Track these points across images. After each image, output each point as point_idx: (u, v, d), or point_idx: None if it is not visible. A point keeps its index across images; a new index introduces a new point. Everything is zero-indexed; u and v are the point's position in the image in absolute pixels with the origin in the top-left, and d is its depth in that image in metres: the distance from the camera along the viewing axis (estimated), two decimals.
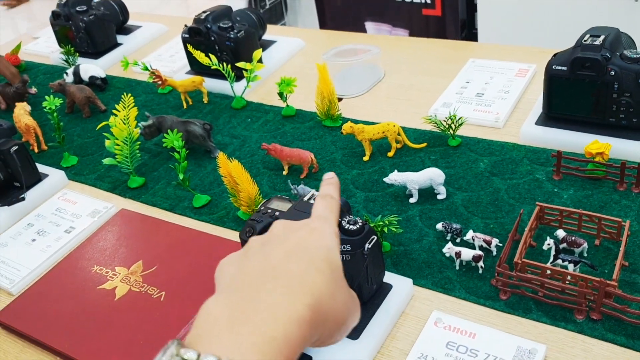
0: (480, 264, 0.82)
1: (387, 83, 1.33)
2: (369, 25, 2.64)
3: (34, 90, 1.46)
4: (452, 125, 1.06)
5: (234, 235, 0.96)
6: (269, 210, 0.78)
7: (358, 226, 0.72)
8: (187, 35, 1.39)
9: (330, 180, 0.55)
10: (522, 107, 1.15)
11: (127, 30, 1.77)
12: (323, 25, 2.76)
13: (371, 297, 0.78)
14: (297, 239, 0.45)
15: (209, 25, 1.35)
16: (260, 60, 1.29)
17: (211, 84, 1.38)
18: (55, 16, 1.63)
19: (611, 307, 0.73)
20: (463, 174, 1.00)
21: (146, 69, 1.37)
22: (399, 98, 1.26)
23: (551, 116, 1.04)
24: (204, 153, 1.19)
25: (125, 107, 1.09)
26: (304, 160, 1.06)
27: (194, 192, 1.07)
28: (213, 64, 1.28)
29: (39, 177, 1.17)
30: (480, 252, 0.82)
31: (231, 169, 0.95)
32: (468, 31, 2.47)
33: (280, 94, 1.24)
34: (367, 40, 1.63)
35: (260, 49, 1.31)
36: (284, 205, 0.78)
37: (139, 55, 1.64)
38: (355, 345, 0.74)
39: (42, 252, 1.02)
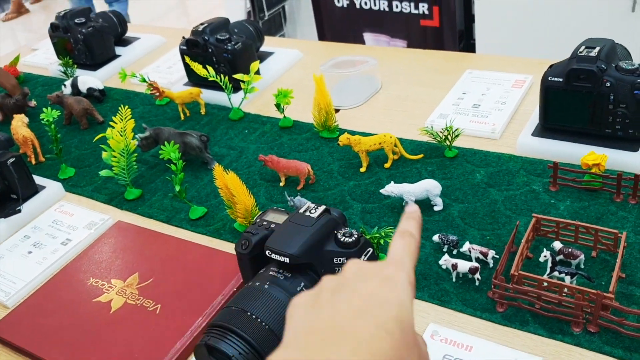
0: (477, 276, 0.82)
1: (384, 94, 1.33)
2: (367, 36, 2.65)
3: (33, 103, 1.47)
4: (449, 137, 1.06)
5: (230, 248, 0.96)
6: (265, 223, 0.78)
7: (354, 238, 0.72)
8: (184, 47, 1.39)
9: (412, 215, 0.50)
10: (518, 118, 1.15)
11: (125, 42, 1.77)
12: (322, 36, 2.78)
13: None
14: (368, 291, 0.42)
15: (206, 37, 1.35)
16: (257, 72, 1.29)
17: (209, 96, 1.39)
18: (53, 28, 1.64)
19: (608, 320, 0.72)
20: (459, 185, 1.00)
21: (144, 80, 1.37)
22: (396, 109, 1.26)
23: (547, 127, 1.04)
24: (200, 164, 1.19)
25: (122, 119, 1.09)
26: (300, 171, 1.06)
27: (191, 203, 1.07)
28: (210, 76, 1.29)
29: (35, 189, 1.17)
30: (476, 264, 0.82)
31: (227, 181, 0.95)
32: (466, 42, 2.48)
33: (278, 106, 1.24)
34: (365, 51, 1.63)
35: (258, 61, 1.32)
36: (279, 218, 0.78)
37: (138, 67, 1.64)
38: None
39: (38, 265, 1.02)
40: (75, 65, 1.61)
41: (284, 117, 1.27)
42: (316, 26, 2.76)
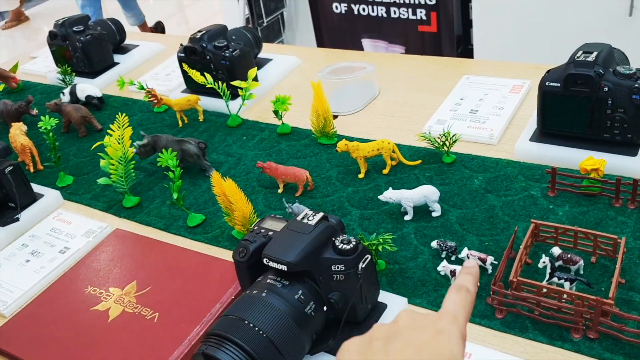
0: None
1: (382, 100, 1.33)
2: (365, 42, 2.66)
3: (35, 112, 1.46)
4: (447, 142, 1.06)
5: (228, 255, 0.95)
6: (262, 230, 0.77)
7: (352, 245, 0.72)
8: (182, 55, 1.39)
9: (469, 270, 0.51)
10: (516, 123, 1.15)
11: (124, 50, 1.78)
12: (320, 42, 2.78)
13: (366, 318, 0.77)
14: (421, 342, 0.43)
15: (204, 45, 1.36)
16: (255, 79, 1.29)
17: (207, 103, 1.39)
18: (52, 36, 1.64)
19: (608, 326, 0.72)
20: (458, 191, 1.00)
21: (142, 88, 1.38)
22: (394, 115, 1.26)
23: (545, 132, 1.04)
24: (199, 172, 1.19)
25: (119, 127, 1.09)
26: (299, 178, 1.06)
27: (189, 211, 1.06)
28: (208, 83, 1.29)
29: (34, 198, 1.16)
30: None
31: (225, 188, 0.95)
32: (464, 47, 2.49)
33: (276, 112, 1.24)
34: (363, 57, 1.63)
35: (255, 68, 1.32)
36: (277, 225, 0.78)
37: (136, 74, 1.64)
38: None
39: (36, 273, 1.01)
40: (74, 73, 1.61)
41: (282, 123, 1.27)
42: (314, 32, 2.77)
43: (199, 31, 1.39)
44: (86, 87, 1.51)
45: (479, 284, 0.51)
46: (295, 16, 2.91)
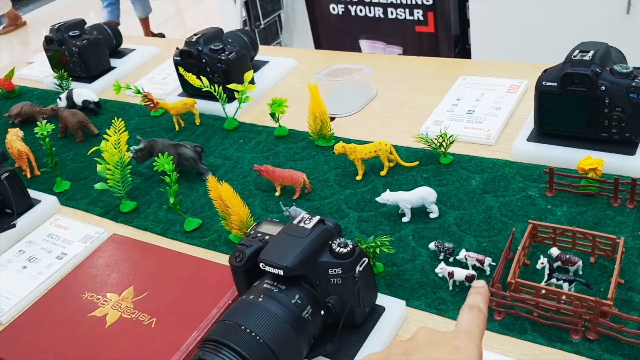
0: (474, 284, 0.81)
1: (379, 101, 1.33)
2: (363, 43, 2.66)
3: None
4: (444, 143, 1.06)
5: (225, 259, 0.95)
6: (259, 235, 0.77)
7: (349, 249, 0.72)
8: (178, 58, 1.39)
9: (479, 290, 0.53)
10: (513, 123, 1.14)
11: (120, 54, 1.77)
12: (318, 43, 2.78)
13: (364, 321, 0.77)
14: (439, 358, 0.45)
15: (200, 48, 1.35)
16: (252, 81, 1.29)
17: (203, 106, 1.38)
18: (48, 41, 1.64)
19: (607, 327, 0.71)
20: (455, 192, 1.00)
21: (138, 92, 1.37)
22: (391, 117, 1.26)
23: (543, 132, 1.04)
24: (195, 175, 1.18)
25: (116, 132, 1.08)
26: (296, 181, 1.06)
27: (185, 215, 1.06)
28: (204, 86, 1.28)
29: (30, 203, 1.16)
30: (473, 272, 0.81)
31: (221, 192, 0.94)
32: (462, 47, 2.49)
33: (273, 115, 1.24)
34: (360, 59, 1.63)
35: (252, 70, 1.31)
36: (274, 229, 0.77)
37: (133, 78, 1.64)
38: None
39: (33, 280, 1.01)
40: (70, 78, 1.61)
41: (279, 126, 1.26)
42: (312, 33, 2.77)
43: (195, 34, 1.38)
44: (83, 92, 1.51)
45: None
46: (293, 18, 2.91)
